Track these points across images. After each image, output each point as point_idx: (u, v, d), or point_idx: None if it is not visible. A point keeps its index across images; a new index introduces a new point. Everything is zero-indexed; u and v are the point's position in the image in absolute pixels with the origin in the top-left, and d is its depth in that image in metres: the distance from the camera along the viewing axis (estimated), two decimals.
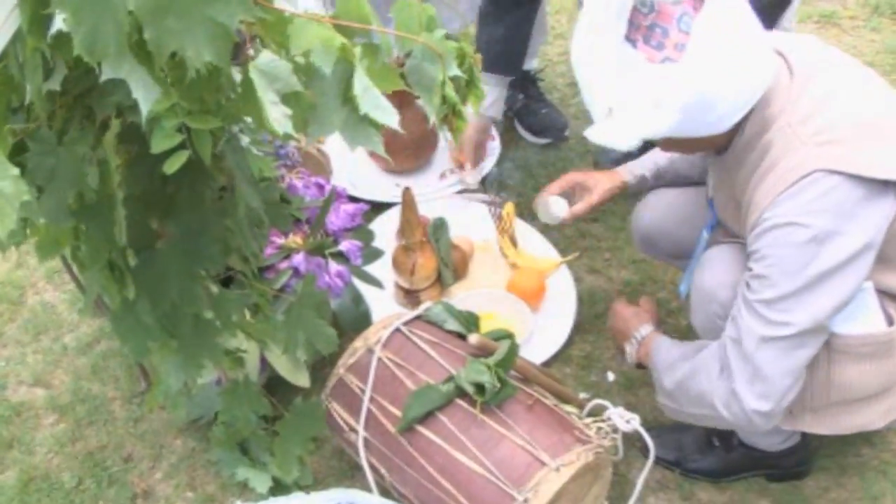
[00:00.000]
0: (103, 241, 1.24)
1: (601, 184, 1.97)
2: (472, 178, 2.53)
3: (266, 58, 0.94)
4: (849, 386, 1.53)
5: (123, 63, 0.83)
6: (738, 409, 1.51)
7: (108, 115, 1.16)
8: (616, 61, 1.37)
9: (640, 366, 1.84)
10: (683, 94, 1.33)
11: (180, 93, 1.00)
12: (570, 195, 2.02)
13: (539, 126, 2.73)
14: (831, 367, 1.52)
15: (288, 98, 0.95)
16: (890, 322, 1.52)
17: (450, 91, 1.04)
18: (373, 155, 2.63)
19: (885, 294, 1.52)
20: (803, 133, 1.41)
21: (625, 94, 1.37)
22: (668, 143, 1.58)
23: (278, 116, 0.93)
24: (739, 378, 1.49)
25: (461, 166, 2.54)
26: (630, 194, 2.03)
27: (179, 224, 1.30)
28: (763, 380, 1.47)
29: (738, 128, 1.48)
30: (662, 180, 1.99)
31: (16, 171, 0.84)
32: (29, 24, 0.93)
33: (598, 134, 1.40)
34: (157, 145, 1.06)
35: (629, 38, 1.36)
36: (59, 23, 0.84)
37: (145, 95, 0.85)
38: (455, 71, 1.06)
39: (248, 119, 1.17)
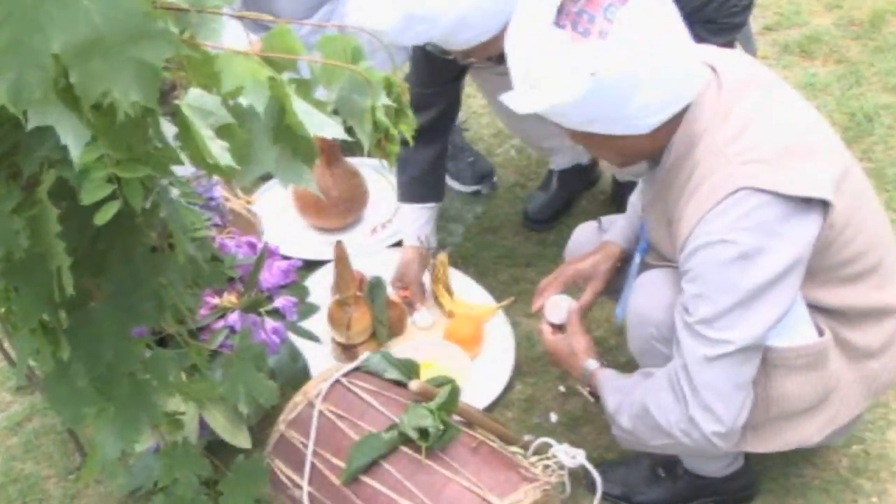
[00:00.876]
0: (35, 300, 1.22)
1: (599, 265, 1.91)
2: (424, 319, 2.36)
3: (195, 93, 0.94)
4: (786, 399, 1.57)
5: (50, 110, 0.83)
6: (697, 435, 1.53)
7: (35, 171, 1.14)
8: (541, 39, 1.41)
9: (596, 395, 1.80)
10: (599, 66, 1.36)
11: (108, 142, 0.99)
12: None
13: (467, 175, 2.77)
14: (768, 381, 1.55)
15: (222, 132, 0.95)
16: (820, 333, 1.56)
17: (381, 116, 1.05)
18: (303, 213, 2.63)
19: (812, 307, 1.56)
20: (729, 152, 1.46)
21: (544, 64, 1.41)
22: (592, 142, 1.56)
23: (218, 150, 0.93)
24: (693, 404, 1.52)
25: (410, 305, 2.38)
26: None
27: (112, 281, 1.28)
28: (714, 402, 1.50)
29: (667, 141, 1.52)
30: None
31: None
32: None
33: (513, 99, 1.44)
34: (88, 196, 1.05)
35: (557, 24, 1.41)
36: None
37: (75, 140, 0.85)
38: (384, 100, 1.07)
39: (177, 169, 1.18)
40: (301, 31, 2.70)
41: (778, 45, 3.26)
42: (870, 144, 2.78)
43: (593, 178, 2.74)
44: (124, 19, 0.77)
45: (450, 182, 2.82)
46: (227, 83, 0.92)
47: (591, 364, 1.80)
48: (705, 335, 1.47)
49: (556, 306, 1.88)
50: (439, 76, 2.25)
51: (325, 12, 2.74)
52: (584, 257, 1.93)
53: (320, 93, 1.09)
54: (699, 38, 1.57)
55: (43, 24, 0.75)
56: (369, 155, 1.19)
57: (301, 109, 0.98)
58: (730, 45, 2.19)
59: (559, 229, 2.59)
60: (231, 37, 0.98)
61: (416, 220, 2.36)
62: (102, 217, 1.08)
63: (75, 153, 0.85)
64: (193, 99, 0.94)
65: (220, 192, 2.11)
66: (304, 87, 1.00)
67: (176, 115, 0.99)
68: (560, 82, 1.39)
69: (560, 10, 1.41)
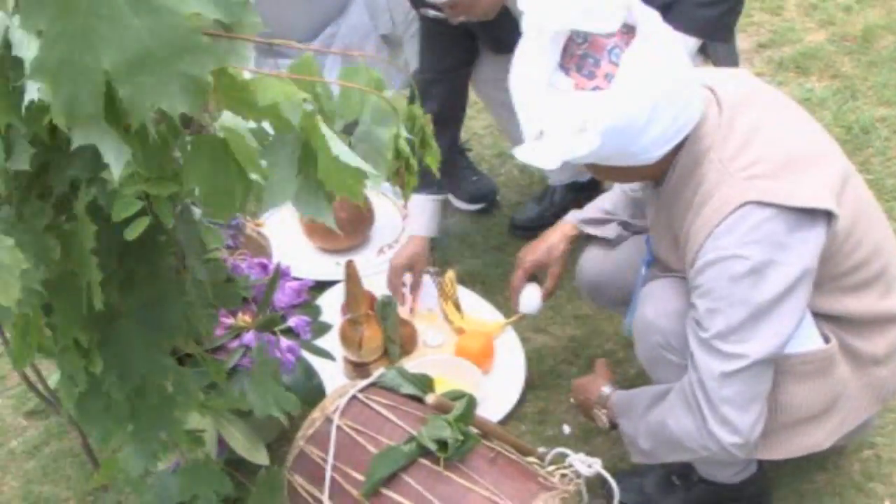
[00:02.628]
0: (69, 317, 1.24)
1: (554, 251, 2.03)
2: (434, 337, 2.39)
3: (228, 115, 0.97)
4: (794, 406, 1.59)
5: (93, 129, 0.85)
6: (717, 448, 1.56)
7: (65, 189, 1.17)
8: (548, 86, 1.44)
9: (615, 426, 1.85)
10: (606, 120, 1.39)
11: (139, 161, 1.02)
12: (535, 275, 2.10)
13: (471, 194, 2.80)
14: (776, 388, 1.58)
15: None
16: (826, 340, 1.59)
17: (403, 144, 1.07)
18: (311, 235, 2.66)
19: (818, 315, 1.60)
20: (733, 167, 1.49)
21: (553, 117, 1.43)
22: (599, 171, 1.62)
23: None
24: (710, 419, 1.54)
25: (414, 290, 2.45)
26: (586, 237, 2.08)
27: (139, 298, 1.31)
28: (732, 415, 1.53)
29: (671, 161, 1.55)
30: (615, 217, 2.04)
31: (10, 241, 0.86)
32: (3, 102, 0.95)
33: (526, 153, 1.46)
34: (118, 213, 1.08)
35: (562, 66, 1.44)
36: (31, 92, 0.86)
37: (116, 159, 0.88)
38: (405, 134, 1.10)
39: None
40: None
41: (773, 63, 3.31)
42: (868, 157, 2.82)
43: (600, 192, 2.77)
44: (171, 35, 0.80)
45: (454, 201, 2.86)
46: (262, 101, 0.94)
47: (607, 389, 1.85)
48: (721, 350, 1.50)
49: (528, 299, 2.07)
50: (447, 58, 2.34)
51: (328, 33, 2.79)
52: (538, 244, 2.07)
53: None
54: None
55: (94, 42, 0.79)
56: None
57: (331, 136, 1.00)
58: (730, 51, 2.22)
59: None
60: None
61: (423, 213, 2.41)
62: (133, 233, 1.11)
63: (116, 171, 0.88)
64: (228, 119, 0.96)
65: (239, 213, 2.13)
66: (329, 119, 1.03)
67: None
68: (570, 138, 1.41)
69: (564, 52, 1.44)
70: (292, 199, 1.08)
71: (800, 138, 1.57)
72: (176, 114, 0.82)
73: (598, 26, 1.41)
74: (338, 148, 0.97)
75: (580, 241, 2.09)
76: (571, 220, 2.06)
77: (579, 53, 1.43)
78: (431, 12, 2.13)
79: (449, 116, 2.41)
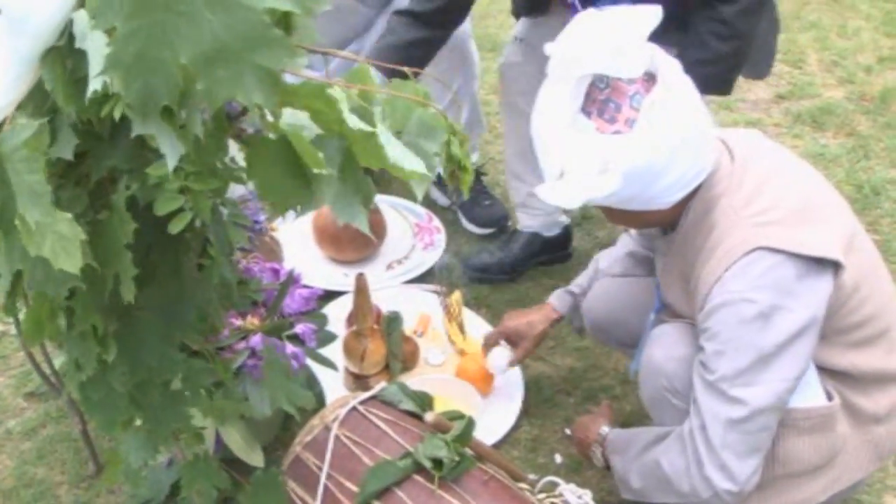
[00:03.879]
0: (91, 304, 1.27)
1: (534, 327, 2.11)
2: (436, 356, 2.40)
3: (289, 113, 1.01)
4: (792, 460, 1.61)
5: (152, 120, 0.89)
6: (708, 494, 1.57)
7: (103, 178, 1.20)
8: (570, 128, 1.47)
9: (609, 466, 1.86)
10: (627, 162, 1.43)
11: (190, 156, 1.05)
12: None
13: (483, 218, 2.84)
14: (776, 441, 1.59)
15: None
16: (829, 397, 1.61)
17: (455, 147, 1.11)
18: (322, 244, 2.69)
19: (822, 370, 1.62)
20: (744, 214, 1.52)
21: (576, 158, 1.47)
22: (614, 214, 1.65)
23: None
24: (708, 465, 1.55)
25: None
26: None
27: (160, 292, 1.33)
28: (731, 462, 1.54)
29: (684, 207, 1.58)
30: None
31: (67, 215, 0.90)
32: (56, 85, 0.99)
33: (548, 193, 1.49)
34: (162, 207, 1.11)
35: (585, 110, 1.47)
36: (95, 84, 0.89)
37: (172, 152, 0.91)
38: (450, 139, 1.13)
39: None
40: (332, 62, 2.80)
41: (790, 115, 3.36)
42: (877, 217, 2.86)
43: (563, 254, 2.78)
44: (244, 29, 0.84)
45: (466, 224, 2.89)
46: (309, 106, 0.97)
47: (607, 429, 1.88)
48: (726, 392, 1.52)
49: (497, 358, 2.17)
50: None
51: (353, 49, 2.84)
52: (523, 315, 2.15)
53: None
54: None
55: (170, 37, 0.83)
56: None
57: (387, 138, 1.03)
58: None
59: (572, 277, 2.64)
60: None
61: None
62: (176, 226, 1.14)
63: (171, 163, 0.91)
64: (289, 117, 1.00)
65: (263, 216, 2.17)
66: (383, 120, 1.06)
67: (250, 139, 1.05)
68: (591, 179, 1.45)
69: (587, 97, 1.47)
70: (330, 202, 1.12)
71: (810, 191, 1.61)
72: (252, 105, 0.87)
73: (622, 71, 1.45)
74: (393, 151, 1.01)
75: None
76: (554, 304, 2.14)
77: (601, 98, 1.47)
78: None
79: (443, 21, 2.37)
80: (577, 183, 1.46)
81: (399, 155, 1.00)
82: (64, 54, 0.92)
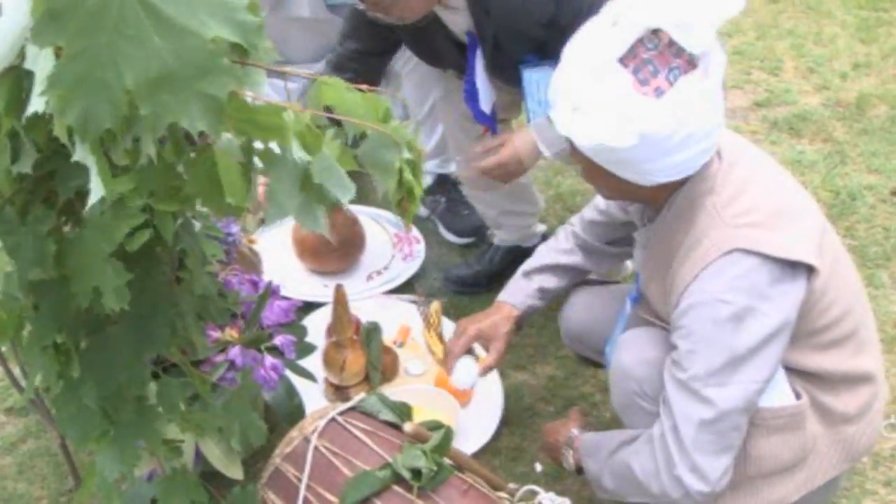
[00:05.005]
0: (54, 320, 1.26)
1: (499, 327, 2.02)
2: (416, 366, 2.40)
3: (226, 138, 1.01)
4: (764, 458, 1.62)
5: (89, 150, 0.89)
6: (679, 494, 1.58)
7: (70, 196, 1.20)
8: (603, 71, 1.45)
9: (580, 470, 1.86)
10: (648, 126, 1.42)
11: (138, 178, 1.05)
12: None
13: (461, 228, 2.84)
14: (746, 440, 1.61)
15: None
16: (798, 396, 1.62)
17: (407, 174, 1.11)
18: (302, 255, 2.69)
19: (790, 370, 1.63)
20: (725, 214, 1.54)
21: (600, 101, 1.45)
22: (602, 176, 1.59)
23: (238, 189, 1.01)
24: (681, 465, 1.56)
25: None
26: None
27: (131, 306, 1.33)
28: (702, 462, 1.55)
29: (665, 194, 1.60)
30: (549, 294, 2.07)
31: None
32: (6, 106, 0.99)
33: (560, 120, 1.49)
34: (121, 225, 1.11)
35: (622, 61, 1.45)
36: (36, 104, 0.88)
37: (96, 190, 0.91)
38: (406, 154, 1.14)
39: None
40: (312, 70, 2.81)
41: (767, 122, 3.38)
42: (853, 223, 2.88)
43: None
44: (192, 56, 0.84)
45: (445, 234, 2.90)
46: (269, 125, 0.98)
47: (576, 432, 1.88)
48: (698, 392, 1.53)
49: (464, 371, 2.02)
50: (368, 42, 2.33)
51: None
52: (483, 317, 2.05)
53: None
54: None
55: (117, 60, 0.82)
56: (382, 200, 1.24)
57: (324, 164, 1.04)
58: None
59: None
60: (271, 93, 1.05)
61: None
62: (133, 245, 1.14)
63: (92, 199, 0.91)
64: (225, 143, 1.00)
65: (236, 228, 2.17)
66: (342, 134, 1.07)
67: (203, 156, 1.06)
68: (610, 126, 1.44)
69: (630, 51, 1.45)
70: (294, 214, 1.12)
71: (786, 192, 1.63)
72: (195, 131, 0.86)
73: (684, 39, 1.44)
74: (320, 174, 1.01)
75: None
76: (509, 301, 2.05)
77: (644, 57, 1.45)
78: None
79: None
80: (593, 124, 1.45)
81: (331, 182, 1.01)
82: (21, 74, 0.91)
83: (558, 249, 2.08)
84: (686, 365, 1.54)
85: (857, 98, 3.48)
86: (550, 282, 2.06)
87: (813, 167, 3.12)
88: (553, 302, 2.11)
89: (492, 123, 2.28)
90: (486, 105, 2.24)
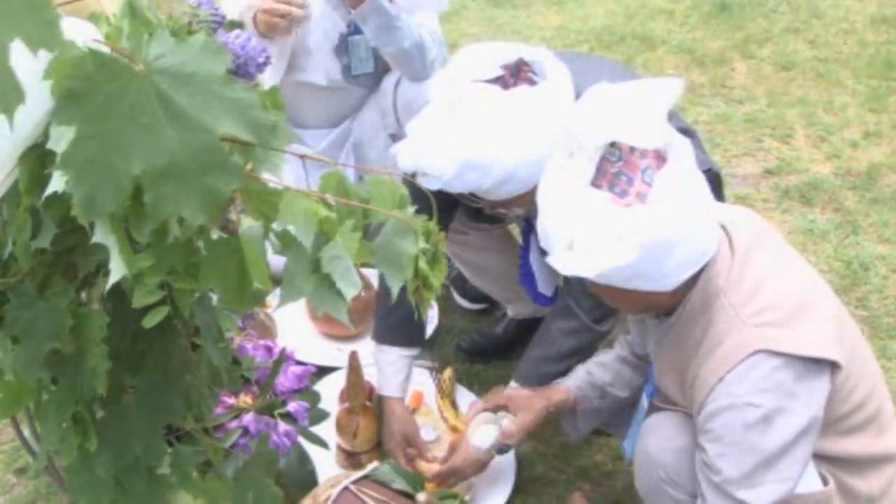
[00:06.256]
0: (71, 394, 1.28)
1: (534, 401, 1.97)
2: (428, 433, 2.35)
3: (246, 225, 1.03)
4: None
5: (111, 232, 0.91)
6: None
7: (90, 271, 1.22)
8: (581, 200, 1.47)
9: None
10: (643, 234, 1.43)
11: (158, 255, 1.07)
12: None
13: (474, 293, 2.86)
14: None
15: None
16: (825, 482, 1.62)
17: (423, 264, 1.12)
18: (315, 320, 2.71)
19: (816, 456, 1.62)
20: (744, 313, 1.53)
21: (590, 229, 1.46)
22: (615, 294, 1.61)
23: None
24: None
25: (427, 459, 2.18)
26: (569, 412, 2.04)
27: (148, 379, 1.35)
28: None
29: (683, 296, 1.59)
30: (601, 390, 2.01)
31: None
32: (27, 184, 1.01)
33: (559, 263, 1.49)
34: (139, 300, 1.13)
35: (595, 184, 1.47)
36: (56, 184, 0.90)
37: (117, 269, 0.93)
38: (423, 244, 1.14)
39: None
40: (320, 146, 2.87)
41: (778, 190, 3.40)
42: (865, 293, 2.88)
43: None
44: (201, 150, 0.85)
45: (458, 299, 2.91)
46: (283, 216, 1.00)
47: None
48: (733, 495, 1.52)
49: (481, 429, 1.98)
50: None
51: (345, 127, 2.95)
52: (516, 395, 2.01)
53: None
54: None
55: (126, 146, 0.84)
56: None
57: (333, 253, 1.04)
58: None
59: None
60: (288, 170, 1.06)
61: (399, 372, 2.27)
62: (150, 321, 1.16)
63: (112, 279, 0.94)
64: (246, 227, 1.02)
65: None
66: (358, 223, 1.08)
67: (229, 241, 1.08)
68: (607, 249, 1.44)
69: (598, 171, 1.47)
70: (308, 295, 1.13)
71: (802, 283, 1.63)
72: (195, 223, 0.87)
73: (640, 140, 1.46)
74: (328, 263, 1.03)
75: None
76: (565, 385, 2.02)
77: (613, 171, 1.47)
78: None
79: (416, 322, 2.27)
80: (591, 253, 1.45)
81: (337, 274, 1.02)
82: (44, 153, 0.94)
83: (614, 355, 2.05)
84: (717, 468, 1.53)
85: (867, 167, 3.50)
86: (603, 375, 2.01)
87: (825, 237, 3.13)
88: (614, 406, 2.04)
89: (548, 303, 2.27)
90: (546, 288, 2.24)
